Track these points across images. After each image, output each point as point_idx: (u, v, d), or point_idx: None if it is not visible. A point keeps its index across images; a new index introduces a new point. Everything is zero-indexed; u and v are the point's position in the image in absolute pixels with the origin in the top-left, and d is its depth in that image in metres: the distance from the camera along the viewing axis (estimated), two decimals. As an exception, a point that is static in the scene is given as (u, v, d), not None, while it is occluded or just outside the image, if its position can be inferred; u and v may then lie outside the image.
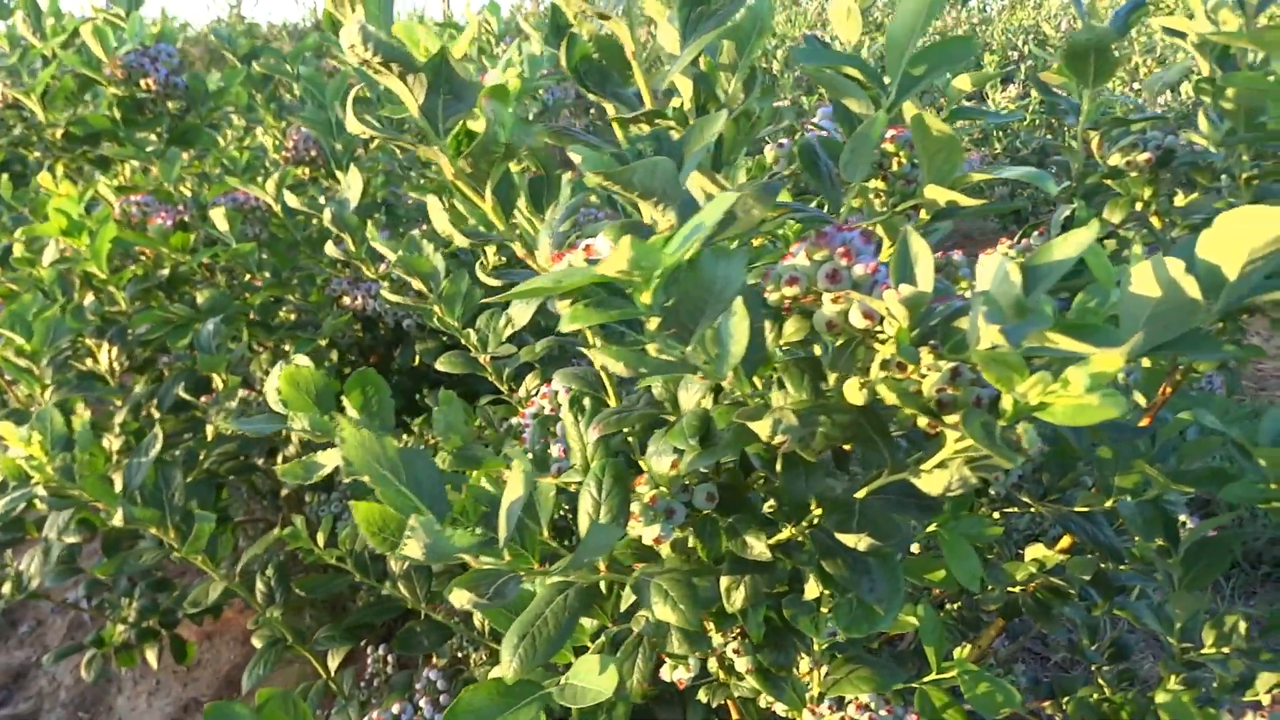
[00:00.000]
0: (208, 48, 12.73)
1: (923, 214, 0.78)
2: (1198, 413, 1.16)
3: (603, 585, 0.77)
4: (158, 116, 1.68)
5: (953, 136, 0.69)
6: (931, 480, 0.59)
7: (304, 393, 0.79)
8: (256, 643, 1.44)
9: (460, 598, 0.56)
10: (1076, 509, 1.19)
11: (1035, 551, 1.29)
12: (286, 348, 1.68)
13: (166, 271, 1.68)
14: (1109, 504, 1.14)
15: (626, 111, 0.69)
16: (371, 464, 0.56)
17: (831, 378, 0.66)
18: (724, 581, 0.76)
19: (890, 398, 0.58)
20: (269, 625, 1.42)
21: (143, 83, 1.62)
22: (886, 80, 0.71)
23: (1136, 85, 4.76)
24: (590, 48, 0.70)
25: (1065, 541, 1.38)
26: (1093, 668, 1.29)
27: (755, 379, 0.67)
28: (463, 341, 1.19)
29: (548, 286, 0.43)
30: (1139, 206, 1.18)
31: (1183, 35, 1.17)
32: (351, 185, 1.40)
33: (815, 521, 0.69)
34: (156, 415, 1.52)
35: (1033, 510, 1.27)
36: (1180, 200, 1.17)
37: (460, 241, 0.72)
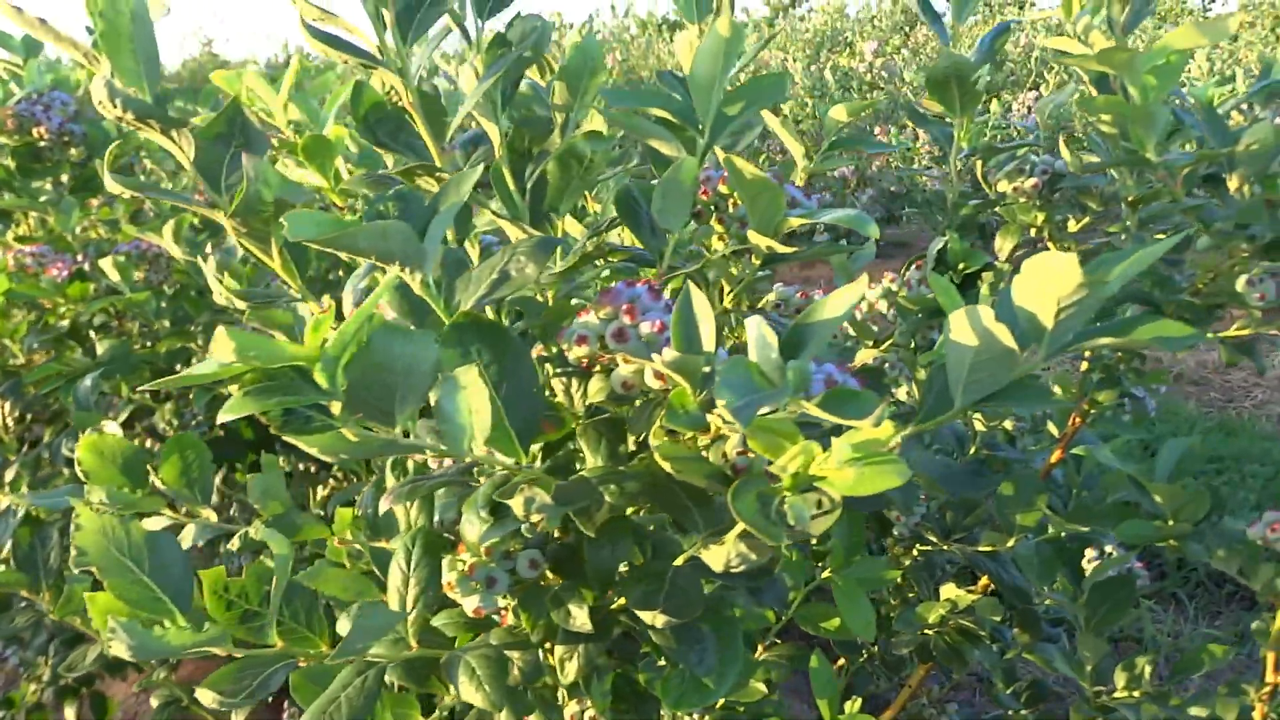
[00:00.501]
0: (181, 86, 12.74)
1: (753, 259, 0.74)
2: (1093, 449, 1.12)
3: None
4: (56, 165, 1.64)
5: (768, 180, 0.66)
6: (712, 555, 0.54)
7: (110, 463, 0.74)
8: (153, 702, 1.39)
9: (206, 697, 0.52)
10: (981, 548, 1.14)
11: (948, 591, 1.24)
12: (191, 396, 1.63)
13: (67, 323, 1.63)
14: (1010, 544, 1.10)
15: (416, 161, 0.65)
16: (110, 553, 0.52)
17: (631, 440, 0.62)
18: (558, 651, 0.72)
19: (666, 465, 0.54)
20: (164, 685, 1.37)
21: (35, 131, 1.58)
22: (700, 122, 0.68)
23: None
24: (380, 95, 0.66)
25: (983, 581, 1.34)
26: (1009, 713, 1.25)
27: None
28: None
29: (210, 374, 0.39)
30: (1032, 233, 1.15)
31: (1068, 55, 1.15)
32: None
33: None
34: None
35: (945, 549, 1.23)
36: (1073, 225, 1.14)
37: (228, 302, 0.68)
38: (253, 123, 0.67)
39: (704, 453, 0.56)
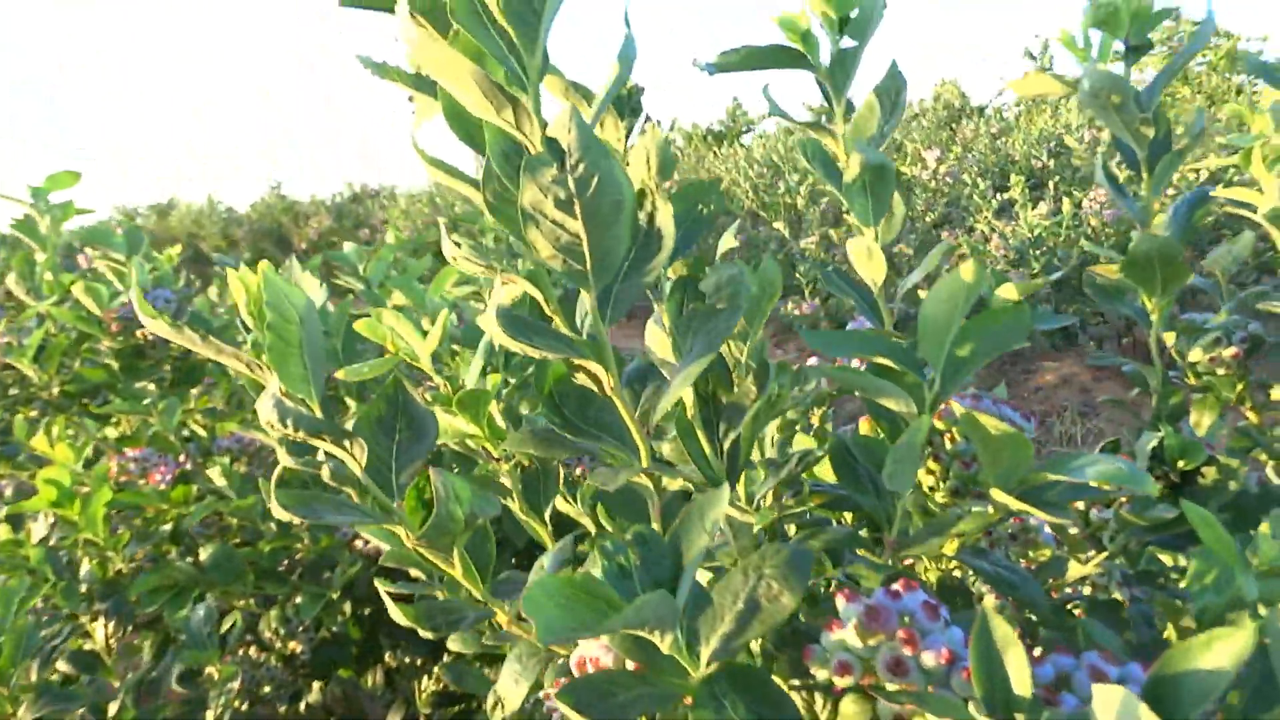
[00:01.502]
0: (251, 227, 13.19)
1: (990, 510, 0.64)
2: None
3: None
4: (158, 362, 1.61)
5: (1015, 434, 0.56)
6: None
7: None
8: None
9: None
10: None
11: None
12: (298, 600, 1.55)
13: (170, 526, 1.58)
14: None
15: (613, 447, 0.57)
16: None
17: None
18: None
19: None
20: None
21: (139, 333, 1.56)
22: (927, 368, 0.59)
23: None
24: (564, 370, 0.58)
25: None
26: None
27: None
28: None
29: None
30: (1233, 403, 1.03)
31: (1249, 207, 1.05)
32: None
33: None
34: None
35: None
36: (1277, 393, 1.02)
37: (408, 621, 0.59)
38: (416, 402, 0.60)
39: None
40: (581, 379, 0.59)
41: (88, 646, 1.50)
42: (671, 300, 0.63)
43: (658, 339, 0.61)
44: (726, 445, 0.62)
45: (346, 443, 0.53)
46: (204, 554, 1.51)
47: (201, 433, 1.78)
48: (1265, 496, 0.85)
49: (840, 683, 0.49)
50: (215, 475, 1.43)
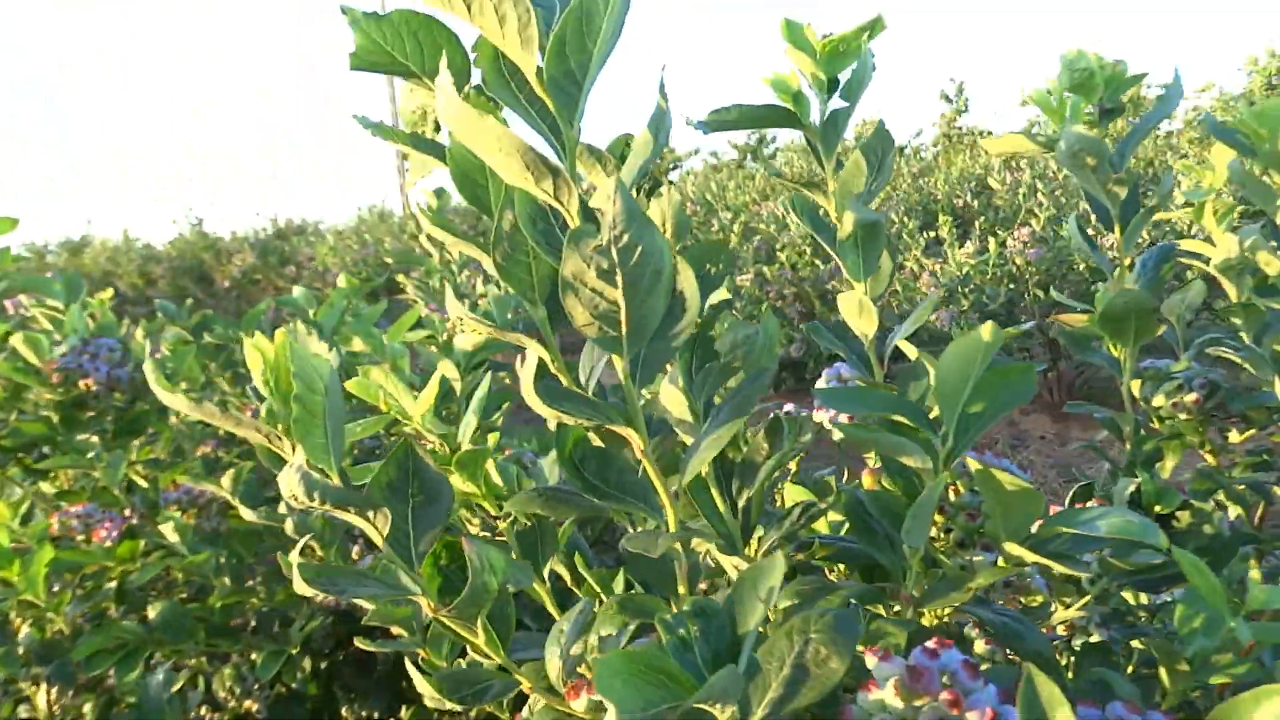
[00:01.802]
0: (170, 264, 12.81)
1: (1000, 561, 0.65)
2: None
3: None
4: (100, 413, 1.55)
5: (1030, 491, 0.57)
6: None
7: None
8: None
9: None
10: None
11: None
12: (254, 658, 1.49)
13: (114, 583, 1.51)
14: None
15: (639, 509, 0.56)
16: None
17: None
18: None
19: None
20: None
21: (82, 383, 1.50)
22: (940, 425, 0.60)
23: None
24: (583, 432, 0.58)
25: None
26: None
27: None
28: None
29: None
30: (1193, 448, 1.07)
31: (1203, 259, 1.09)
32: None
33: None
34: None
35: None
36: (1236, 436, 1.06)
37: (438, 701, 0.58)
38: (428, 466, 0.59)
39: None
40: (598, 440, 0.58)
41: (24, 714, 1.42)
42: (682, 358, 0.63)
43: (673, 398, 0.61)
44: (741, 503, 0.62)
45: (370, 513, 0.52)
46: (152, 612, 1.45)
47: (144, 484, 1.72)
48: (1235, 539, 0.89)
49: (880, 747, 0.49)
50: (168, 531, 1.38)
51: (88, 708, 1.52)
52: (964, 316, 4.68)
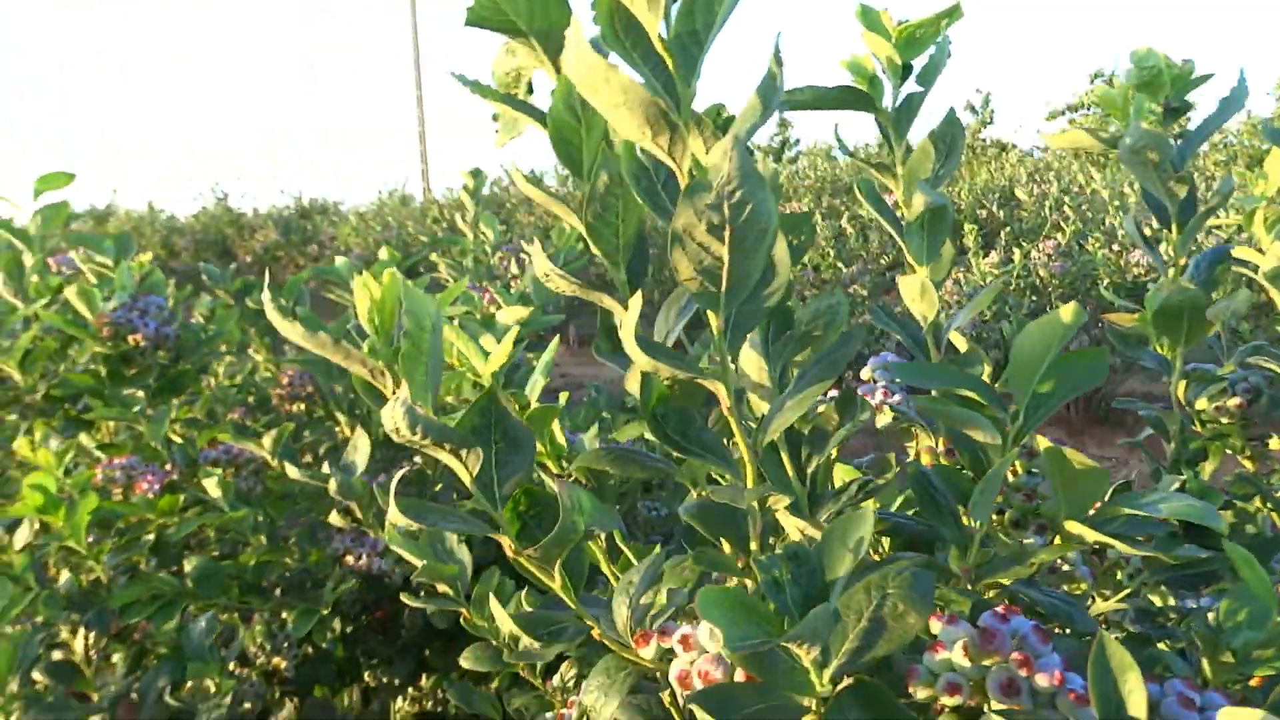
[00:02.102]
0: (194, 238, 12.88)
1: (1057, 540, 0.66)
2: None
3: None
4: (146, 370, 1.58)
5: (1097, 469, 0.59)
6: None
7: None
8: None
9: None
10: None
11: None
12: (285, 616, 1.52)
13: (152, 536, 1.54)
14: None
15: (717, 465, 0.58)
16: None
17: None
18: None
19: None
20: None
21: (131, 338, 1.53)
22: (1011, 404, 0.61)
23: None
24: (667, 388, 0.60)
25: None
26: None
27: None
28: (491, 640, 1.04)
29: None
30: (1231, 452, 1.08)
31: (1250, 266, 1.11)
32: (359, 447, 1.28)
33: None
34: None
35: None
36: (1275, 443, 1.08)
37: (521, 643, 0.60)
38: (509, 414, 0.61)
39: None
40: (680, 399, 0.60)
41: (56, 657, 1.45)
42: (761, 326, 0.65)
43: (752, 363, 0.62)
44: (810, 470, 0.64)
45: (464, 451, 0.54)
46: (188, 566, 1.48)
47: (180, 442, 1.74)
48: (1275, 541, 0.90)
49: (948, 702, 0.50)
50: (211, 486, 1.40)
51: (117, 657, 1.55)
52: (986, 326, 4.69)
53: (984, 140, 13.71)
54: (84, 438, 1.73)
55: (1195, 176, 0.85)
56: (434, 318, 0.52)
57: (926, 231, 0.79)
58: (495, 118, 0.71)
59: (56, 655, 1.44)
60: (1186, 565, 0.88)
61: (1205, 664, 0.73)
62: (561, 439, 0.77)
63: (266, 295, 0.52)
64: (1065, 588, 0.84)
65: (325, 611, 1.49)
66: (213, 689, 1.25)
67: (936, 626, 0.54)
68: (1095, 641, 0.47)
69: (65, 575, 1.47)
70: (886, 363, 0.94)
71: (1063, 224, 5.28)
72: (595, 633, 0.60)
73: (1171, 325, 0.87)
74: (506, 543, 0.56)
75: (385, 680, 1.73)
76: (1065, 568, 0.85)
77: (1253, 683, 0.87)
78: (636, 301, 0.52)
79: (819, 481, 0.65)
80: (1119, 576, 0.94)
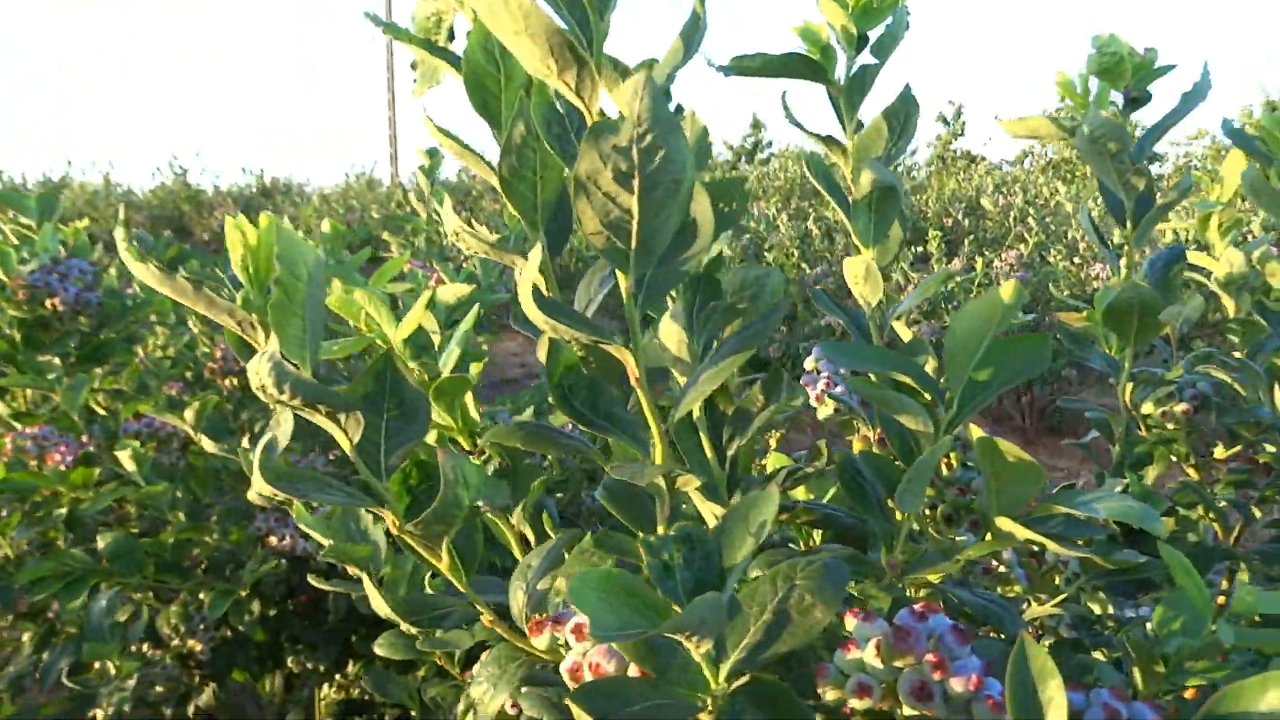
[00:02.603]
0: (150, 213, 12.62)
1: (989, 536, 0.63)
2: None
3: None
4: (64, 336, 1.51)
5: (1032, 464, 0.55)
6: None
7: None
8: None
9: None
10: None
11: None
12: (202, 597, 1.45)
13: (65, 510, 1.47)
14: None
15: (627, 442, 0.54)
16: None
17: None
18: None
19: None
20: None
21: (48, 302, 1.45)
22: (944, 388, 0.57)
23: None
24: (576, 357, 0.55)
25: None
26: None
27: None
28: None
29: None
30: (1176, 459, 1.06)
31: (1204, 272, 1.08)
32: (281, 422, 1.22)
33: None
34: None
35: None
36: (1220, 452, 1.05)
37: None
38: (407, 382, 0.56)
39: None
40: (591, 370, 0.56)
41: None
42: (684, 298, 0.61)
43: (672, 335, 0.58)
44: (730, 453, 0.60)
45: (343, 416, 0.49)
46: (102, 542, 1.41)
47: (104, 414, 1.67)
48: (1216, 550, 0.87)
49: (857, 705, 0.46)
50: (125, 459, 1.33)
51: (27, 636, 1.48)
52: (945, 331, 4.69)
53: (954, 151, 13.82)
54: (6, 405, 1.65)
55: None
56: (313, 267, 0.47)
57: (874, 211, 0.75)
58: (414, 66, 0.66)
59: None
60: (1124, 571, 0.85)
61: (1137, 673, 0.70)
62: (475, 413, 0.72)
63: (120, 233, 0.47)
64: (1000, 590, 0.81)
65: (244, 593, 1.42)
66: (113, 670, 1.18)
67: (852, 623, 0.50)
68: (1015, 645, 0.43)
69: (-33, 548, 1.40)
70: (821, 356, 0.90)
71: (1026, 235, 5.31)
72: (486, 619, 0.56)
73: (1122, 324, 0.84)
74: (390, 518, 0.51)
75: (310, 666, 1.67)
76: (1001, 569, 0.81)
77: (1187, 694, 0.84)
78: (536, 255, 0.47)
79: (740, 465, 0.61)
80: (1056, 581, 0.91)
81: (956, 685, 0.44)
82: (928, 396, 0.58)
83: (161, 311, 1.75)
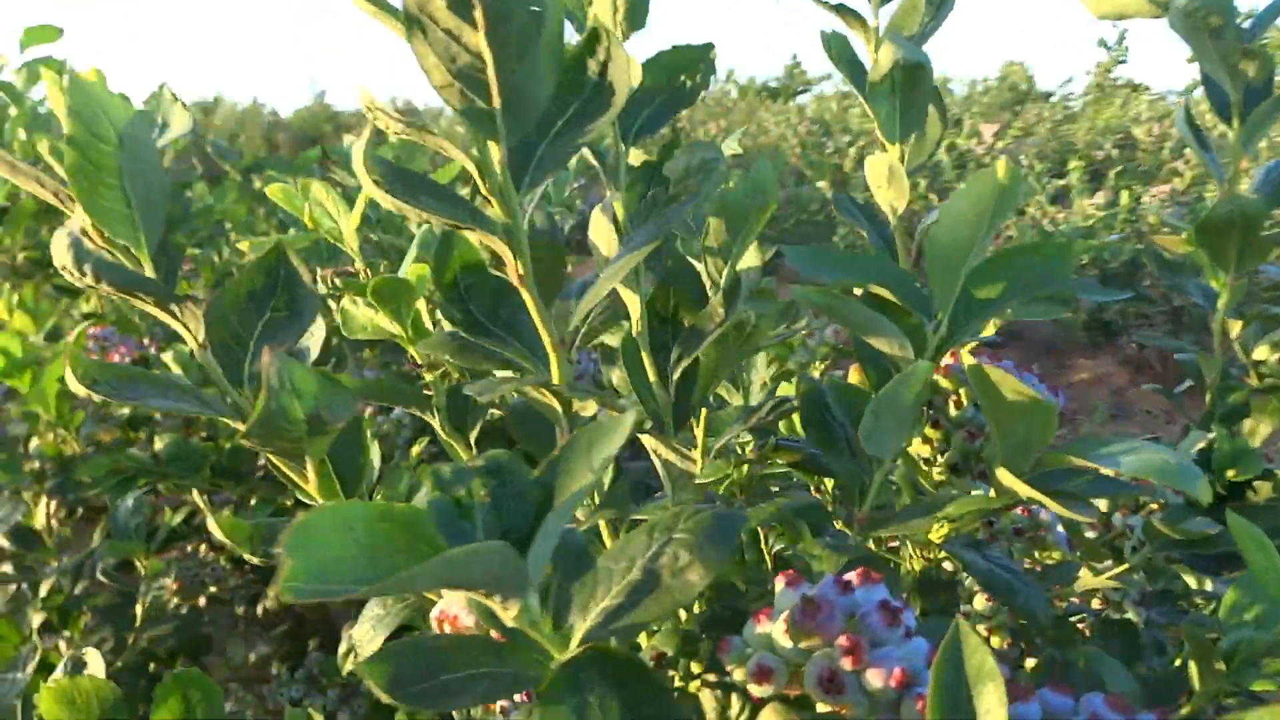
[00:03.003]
0: (293, 133, 13.09)
1: (992, 493, 0.51)
2: None
3: None
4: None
5: (1039, 402, 0.44)
6: None
7: (83, 712, 0.55)
8: None
9: None
10: None
11: None
12: (253, 503, 1.46)
13: (128, 410, 1.49)
14: None
15: (524, 359, 0.45)
16: None
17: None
18: None
19: None
20: None
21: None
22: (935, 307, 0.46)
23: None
24: (477, 254, 0.46)
25: None
26: None
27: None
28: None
29: None
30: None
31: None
32: (313, 333, 1.19)
33: None
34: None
35: None
36: (1348, 407, 0.88)
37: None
38: (301, 279, 0.48)
39: None
40: (500, 272, 0.47)
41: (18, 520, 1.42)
42: (632, 190, 0.51)
43: (603, 233, 0.48)
44: (677, 375, 0.50)
45: (175, 308, 0.42)
46: (160, 444, 1.42)
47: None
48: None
49: (756, 691, 0.37)
50: (169, 360, 1.33)
51: (96, 534, 1.52)
52: (1079, 274, 4.36)
53: (1114, 80, 12.82)
54: (83, 305, 1.68)
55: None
56: (134, 126, 0.39)
57: (898, 95, 0.62)
58: None
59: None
60: (1203, 543, 0.72)
61: (1193, 670, 0.57)
62: (427, 321, 0.64)
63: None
64: (1037, 555, 0.69)
65: (289, 504, 1.42)
66: (142, 570, 1.19)
67: (779, 586, 0.40)
68: (948, 634, 0.33)
69: (35, 442, 1.44)
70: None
71: (1182, 169, 4.85)
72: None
73: (1219, 243, 0.69)
74: (235, 426, 0.44)
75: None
76: (1042, 532, 0.69)
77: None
78: (370, 98, 0.39)
79: (695, 393, 0.51)
80: (1126, 548, 0.78)
81: (874, 679, 0.35)
82: (912, 314, 0.46)
83: (233, 217, 1.74)
